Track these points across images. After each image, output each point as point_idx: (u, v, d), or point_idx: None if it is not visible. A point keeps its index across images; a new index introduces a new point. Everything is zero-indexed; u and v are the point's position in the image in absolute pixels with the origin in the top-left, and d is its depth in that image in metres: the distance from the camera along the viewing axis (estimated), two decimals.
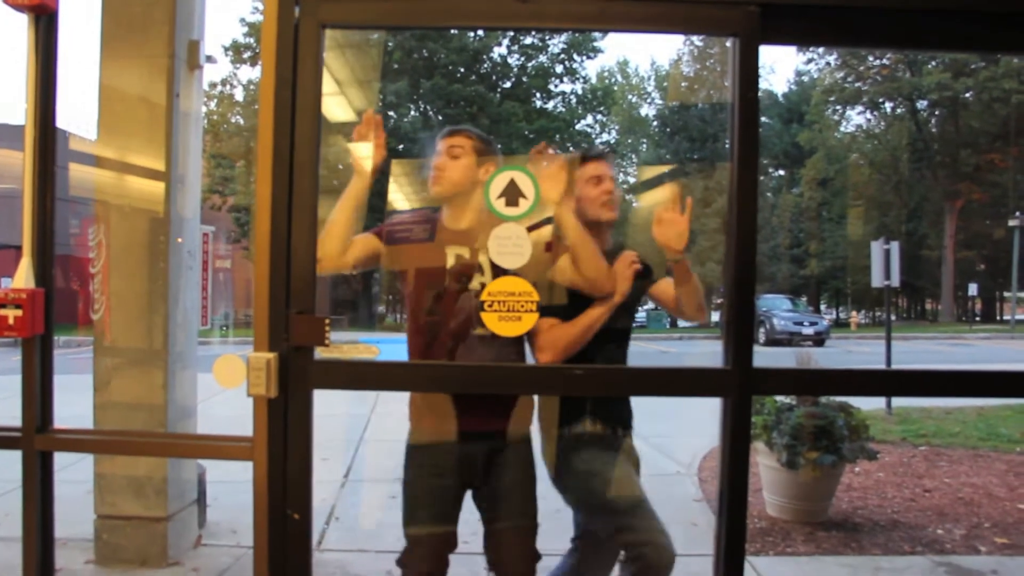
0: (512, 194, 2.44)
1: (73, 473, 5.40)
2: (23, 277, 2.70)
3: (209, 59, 4.73)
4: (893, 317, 11.84)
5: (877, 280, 10.56)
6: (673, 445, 7.81)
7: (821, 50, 38.98)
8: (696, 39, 37.69)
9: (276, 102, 2.40)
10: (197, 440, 2.84)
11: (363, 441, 7.88)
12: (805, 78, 44.65)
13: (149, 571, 4.35)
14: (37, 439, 2.70)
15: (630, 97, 47.93)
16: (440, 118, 30.82)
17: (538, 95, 34.36)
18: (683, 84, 41.40)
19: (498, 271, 2.53)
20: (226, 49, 30.02)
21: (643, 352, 20.59)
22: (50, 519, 2.81)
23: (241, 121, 29.50)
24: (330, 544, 4.84)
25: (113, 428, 4.26)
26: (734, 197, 2.52)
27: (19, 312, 2.64)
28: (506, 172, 2.47)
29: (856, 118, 41.95)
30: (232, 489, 5.06)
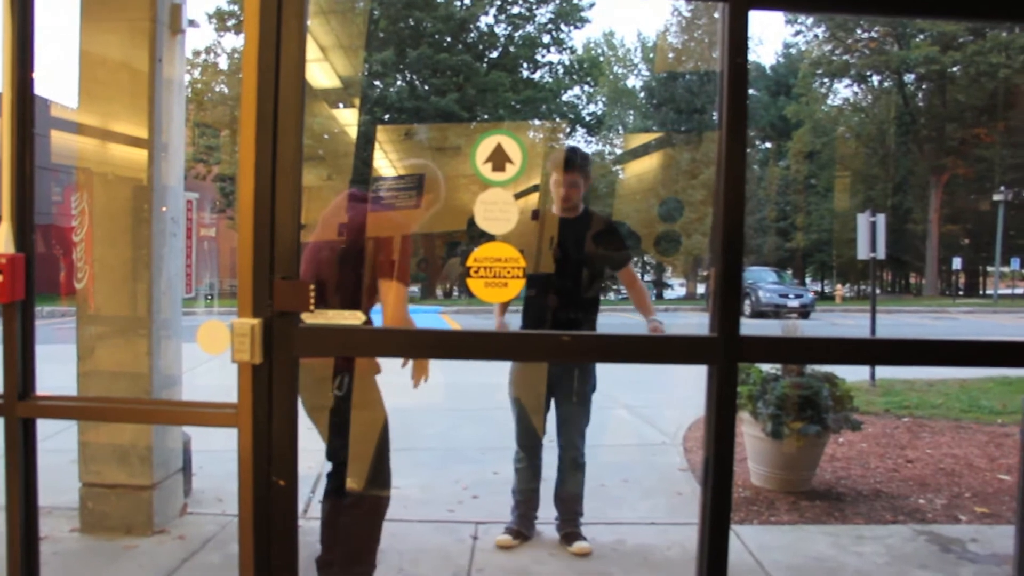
0: (499, 159, 2.42)
1: (57, 442, 5.38)
2: (2, 242, 2.66)
3: (192, 23, 4.67)
4: (878, 291, 11.88)
5: (863, 252, 10.59)
6: (658, 415, 7.86)
7: (809, 22, 38.83)
8: (684, 9, 37.55)
9: (260, 65, 2.36)
10: (181, 407, 2.83)
11: None
12: (793, 50, 44.54)
13: (135, 539, 4.35)
14: (19, 406, 2.67)
15: (617, 68, 47.73)
16: (426, 88, 30.62)
17: (525, 65, 34.18)
18: (670, 55, 41.25)
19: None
20: (209, 16, 29.68)
21: (627, 324, 20.61)
22: (34, 487, 2.79)
23: (226, 90, 29.23)
24: (316, 512, 4.84)
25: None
26: (722, 164, 2.50)
27: None
28: (493, 136, 2.44)
29: (843, 91, 41.93)
30: (217, 458, 5.05)
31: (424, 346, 2.52)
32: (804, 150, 37.76)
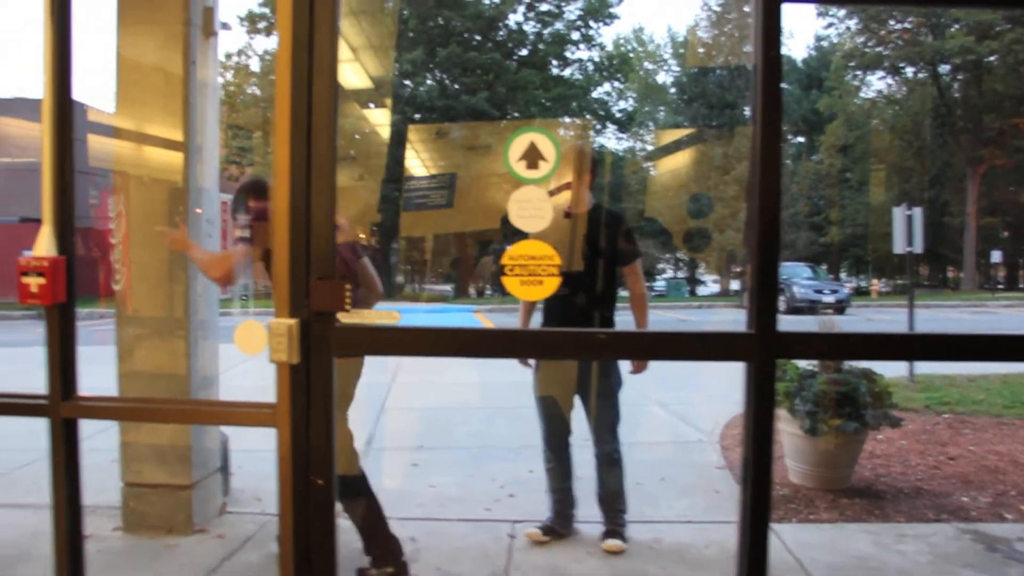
0: (532, 157, 2.41)
1: (98, 442, 5.44)
2: (44, 245, 2.70)
3: (224, 26, 4.71)
4: (915, 286, 11.74)
5: (899, 246, 10.46)
6: (694, 413, 7.81)
7: (841, 14, 38.36)
8: (714, 3, 37.26)
9: (293, 66, 2.38)
10: (220, 407, 2.85)
11: (384, 410, 7.92)
12: (825, 43, 44.05)
13: (175, 538, 4.40)
14: (63, 406, 2.71)
15: (647, 64, 47.51)
16: (456, 86, 30.66)
17: (555, 62, 34.11)
18: (700, 50, 40.99)
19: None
20: (241, 19, 29.91)
21: (661, 320, 20.54)
22: (77, 486, 2.82)
23: (257, 92, 29.44)
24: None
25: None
26: (757, 158, 2.47)
27: (42, 280, 2.64)
28: (526, 134, 2.44)
29: (877, 83, 41.40)
30: (255, 457, 5.10)
31: (462, 345, 2.52)
32: (837, 144, 37.36)
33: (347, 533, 4.02)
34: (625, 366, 4.42)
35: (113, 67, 4.40)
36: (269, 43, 31.22)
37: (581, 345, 2.52)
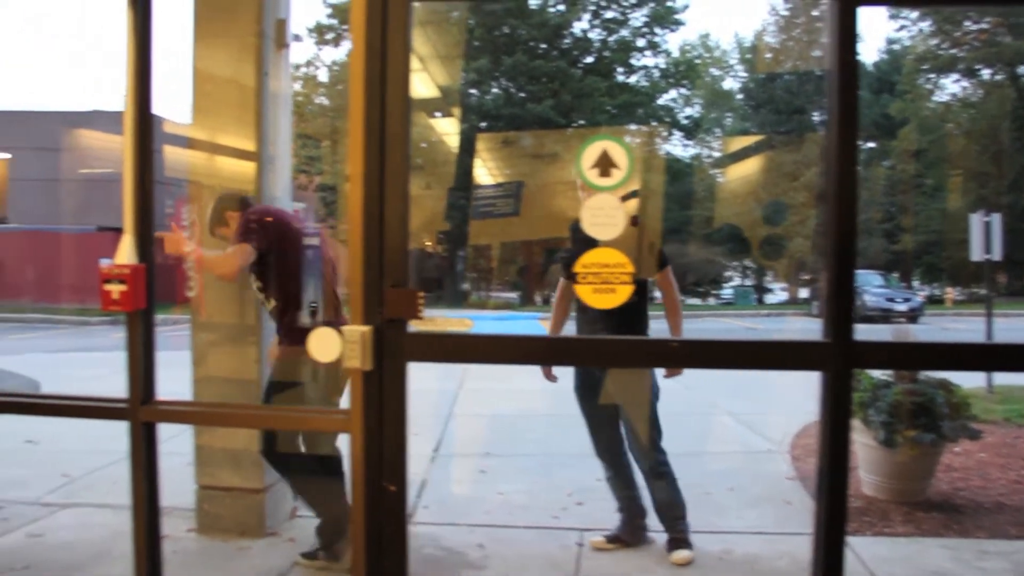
0: (605, 164, 2.41)
1: (173, 445, 5.57)
2: (126, 253, 2.77)
3: (296, 38, 4.79)
4: (992, 294, 11.40)
5: (976, 253, 10.17)
6: (763, 422, 7.69)
7: (914, 15, 37.53)
8: (782, 8, 36.78)
9: (366, 75, 2.41)
10: (295, 412, 2.90)
11: (452, 416, 7.95)
12: (896, 46, 43.14)
13: (247, 540, 4.47)
14: (142, 410, 2.78)
15: (713, 70, 47.06)
16: (522, 94, 30.73)
17: (620, 69, 33.99)
18: (767, 55, 40.46)
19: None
20: (309, 31, 30.41)
21: (729, 329, 20.31)
22: (156, 488, 2.90)
23: (326, 101, 29.91)
24: (422, 517, 4.90)
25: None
26: (832, 165, 2.43)
27: (123, 287, 2.72)
28: (598, 142, 2.43)
29: (951, 86, 40.35)
30: None
31: (532, 353, 2.52)
32: (910, 149, 36.51)
33: (414, 539, 4.05)
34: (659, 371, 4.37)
35: (187, 80, 4.51)
36: (337, 54, 31.69)
37: (653, 354, 2.51)
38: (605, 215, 2.40)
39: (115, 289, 2.73)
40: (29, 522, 4.77)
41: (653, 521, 4.52)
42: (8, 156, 25.72)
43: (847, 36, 2.40)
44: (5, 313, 20.17)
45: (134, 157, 2.79)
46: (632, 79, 34.66)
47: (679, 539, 4.36)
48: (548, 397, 8.20)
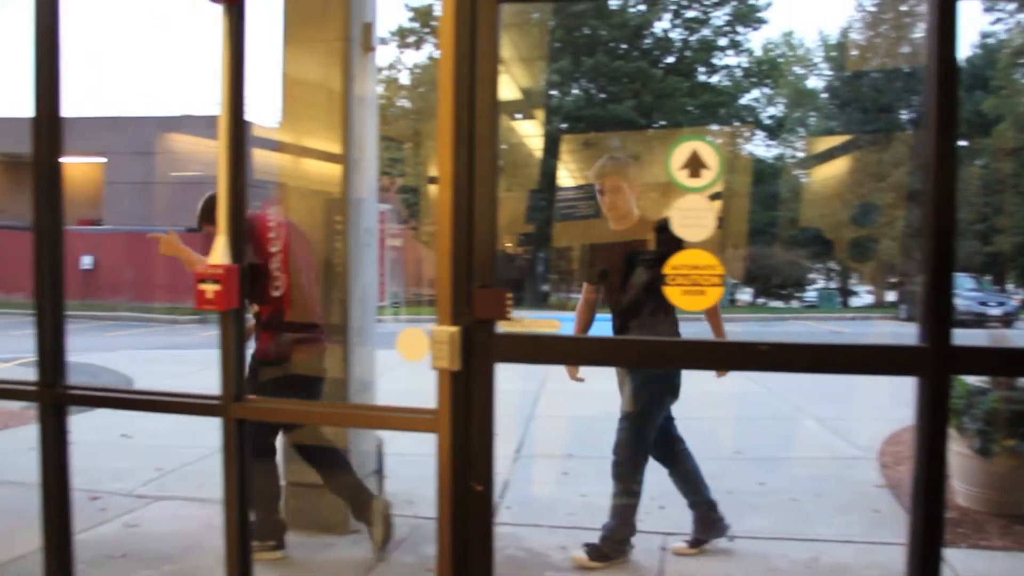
0: (695, 165, 2.38)
1: None
2: (220, 254, 2.83)
3: (383, 41, 4.85)
4: None
5: None
6: (849, 428, 7.52)
7: (1011, 7, 36.28)
8: (868, 3, 35.85)
9: (455, 77, 2.42)
10: (382, 411, 2.92)
11: (533, 417, 7.96)
12: (991, 40, 41.72)
13: (332, 537, 4.55)
14: (234, 407, 2.84)
15: (797, 69, 46.18)
16: (603, 95, 30.61)
17: (702, 69, 33.62)
18: (853, 52, 39.51)
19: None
20: (392, 34, 30.81)
21: (812, 333, 19.92)
22: (246, 483, 2.95)
23: (407, 104, 30.26)
24: (504, 518, 4.91)
25: None
26: (930, 164, 2.35)
27: (217, 287, 2.78)
28: (688, 142, 2.40)
29: None
30: (407, 461, 5.21)
31: (621, 354, 2.50)
32: (1005, 147, 35.24)
33: (497, 540, 4.06)
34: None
35: (271, 84, 4.60)
36: (418, 57, 32.04)
37: (745, 357, 2.46)
38: (696, 216, 2.36)
39: (209, 289, 2.79)
40: (125, 512, 4.94)
41: (744, 523, 4.46)
42: (104, 160, 26.63)
43: (946, 31, 2.32)
44: (101, 312, 20.88)
45: (228, 160, 2.85)
46: (714, 79, 34.24)
47: (596, 546, 4.33)
48: None
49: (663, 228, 4.31)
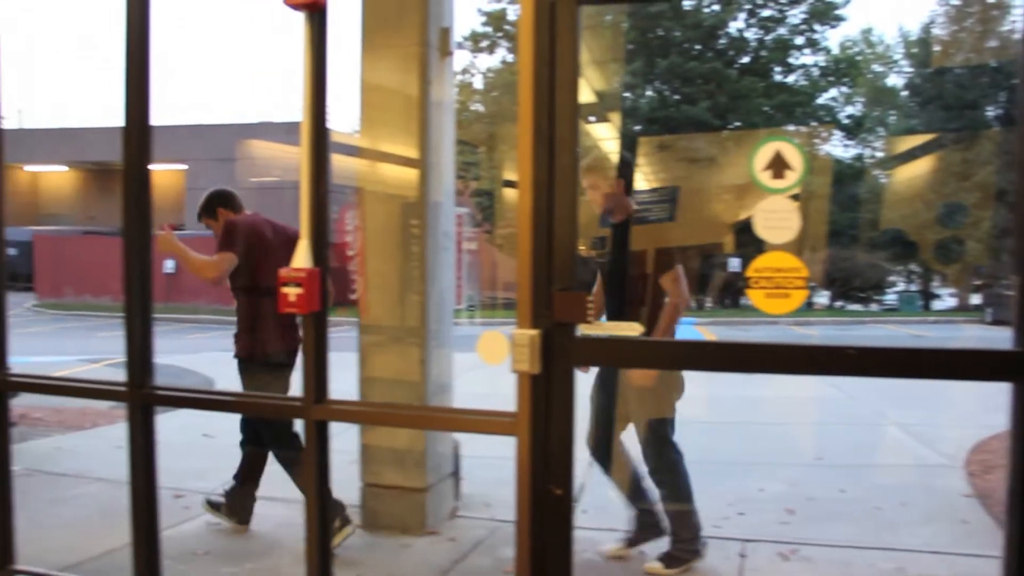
0: (778, 166, 2.33)
1: (337, 443, 5.76)
2: (302, 257, 2.88)
3: (460, 45, 4.87)
4: None
5: None
6: (934, 434, 7.31)
7: None
8: None
9: (535, 80, 2.42)
10: (460, 414, 2.93)
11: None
12: None
13: (409, 538, 4.58)
14: (315, 409, 2.89)
15: (876, 67, 45.12)
16: (676, 97, 30.34)
17: (778, 69, 33.08)
18: (935, 48, 38.42)
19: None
20: (464, 39, 30.99)
21: (893, 336, 19.43)
22: (327, 484, 3.00)
23: (481, 108, 30.41)
24: (580, 522, 4.87)
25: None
26: (1021, 163, 2.27)
27: (299, 290, 2.82)
28: (771, 143, 2.36)
29: None
30: (483, 464, 5.22)
31: (706, 359, 2.47)
32: None
33: (577, 543, 4.04)
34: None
35: (349, 90, 4.66)
36: (491, 61, 32.16)
37: (831, 360, 2.40)
38: (779, 218, 2.32)
39: (291, 292, 2.83)
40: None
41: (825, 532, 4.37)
42: (186, 167, 27.34)
43: None
44: (183, 315, 21.41)
45: (310, 167, 2.90)
46: (790, 78, 33.67)
47: (668, 553, 4.25)
48: (707, 404, 8.06)
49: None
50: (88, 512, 4.96)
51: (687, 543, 4.24)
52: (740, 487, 5.60)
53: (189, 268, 4.63)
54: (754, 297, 2.34)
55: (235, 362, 4.64)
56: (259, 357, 4.55)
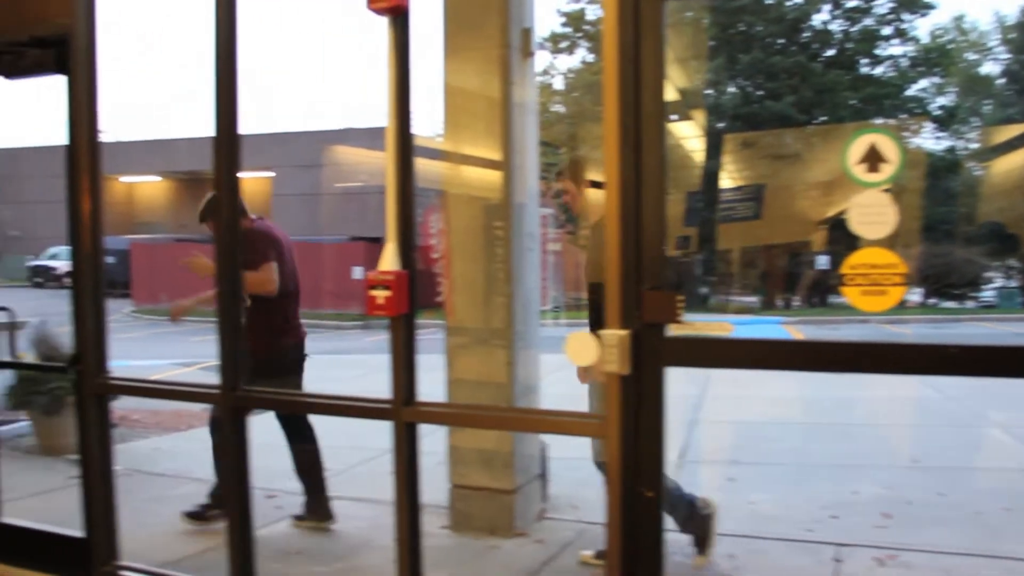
0: (873, 159, 2.26)
1: (425, 445, 5.81)
2: (390, 260, 2.90)
3: (541, 46, 4.87)
4: None
5: None
6: None
7: None
8: None
9: (620, 79, 2.40)
10: (549, 415, 2.92)
11: (696, 422, 7.81)
12: None
13: (497, 540, 4.59)
14: (404, 411, 2.91)
15: (969, 55, 43.58)
16: (759, 92, 29.82)
17: (864, 61, 32.22)
18: None
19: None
20: (544, 39, 30.96)
21: (991, 335, 18.76)
22: (416, 485, 3.02)
23: (562, 109, 30.34)
24: (668, 524, 4.83)
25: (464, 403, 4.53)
26: None
27: (387, 293, 2.85)
28: (866, 135, 2.29)
29: None
30: (569, 465, 5.20)
31: (795, 358, 2.41)
32: None
33: (667, 545, 4.00)
34: None
35: (431, 94, 4.68)
36: (571, 61, 32.09)
37: (930, 360, 2.32)
38: (875, 212, 2.25)
39: (380, 295, 2.86)
40: (299, 511, 5.13)
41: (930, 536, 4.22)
42: (272, 174, 27.96)
43: None
44: None
45: (396, 171, 2.92)
46: (878, 70, 32.75)
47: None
48: (799, 405, 7.91)
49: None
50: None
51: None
52: (834, 490, 5.46)
53: (246, 287, 4.74)
54: (849, 294, 2.27)
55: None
56: (276, 357, 4.76)
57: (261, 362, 4.61)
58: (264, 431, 6.86)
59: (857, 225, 2.28)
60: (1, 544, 4.10)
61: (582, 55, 30.03)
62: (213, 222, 4.87)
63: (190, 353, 12.74)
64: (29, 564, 3.96)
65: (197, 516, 4.82)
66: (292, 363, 4.89)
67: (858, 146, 2.28)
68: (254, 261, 4.63)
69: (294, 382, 4.81)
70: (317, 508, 4.89)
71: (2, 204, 33.10)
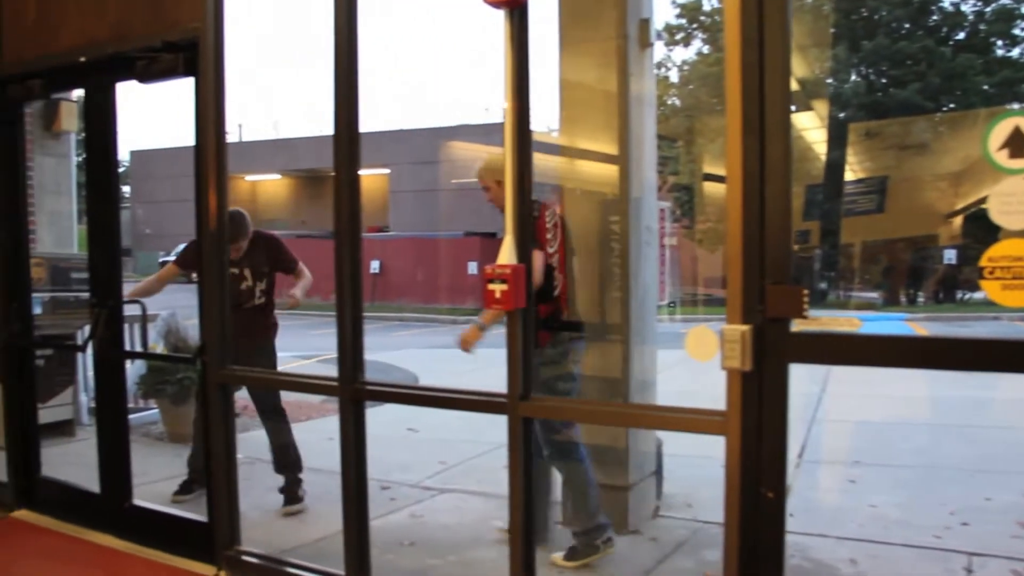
0: (1017, 144, 2.13)
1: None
2: (507, 254, 2.90)
3: (659, 36, 4.80)
4: None
5: None
6: None
7: None
8: None
9: (743, 66, 2.33)
10: (668, 412, 2.86)
11: (815, 421, 7.57)
12: None
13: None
14: (521, 406, 2.91)
15: None
16: (884, 80, 28.75)
17: (999, 43, 30.64)
18: None
19: None
20: (659, 32, 30.57)
21: None
22: (531, 479, 3.01)
23: (678, 102, 29.93)
24: (789, 526, 4.69)
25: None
26: None
27: (504, 287, 2.85)
28: (1010, 119, 2.16)
29: None
30: (686, 463, 5.12)
31: (925, 355, 2.30)
32: None
33: (786, 547, 3.89)
34: None
35: (547, 89, 4.66)
36: (686, 54, 31.61)
37: None
38: (1019, 201, 2.12)
39: (497, 289, 2.86)
40: (412, 503, 5.20)
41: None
42: (388, 171, 28.47)
43: None
44: (388, 313, 22.29)
45: (515, 166, 2.92)
46: (1014, 52, 31.08)
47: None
48: (926, 405, 7.57)
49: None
50: (304, 500, 5.22)
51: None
52: (964, 495, 5.20)
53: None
54: (989, 289, 2.15)
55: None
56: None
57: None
58: (380, 423, 7.02)
59: (998, 215, 2.15)
60: (132, 525, 4.30)
61: (697, 46, 29.57)
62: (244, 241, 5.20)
63: (310, 346, 13.06)
64: (156, 545, 4.15)
65: (184, 491, 5.14)
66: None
67: (1000, 130, 2.15)
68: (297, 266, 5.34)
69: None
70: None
71: (136, 203, 34.71)
